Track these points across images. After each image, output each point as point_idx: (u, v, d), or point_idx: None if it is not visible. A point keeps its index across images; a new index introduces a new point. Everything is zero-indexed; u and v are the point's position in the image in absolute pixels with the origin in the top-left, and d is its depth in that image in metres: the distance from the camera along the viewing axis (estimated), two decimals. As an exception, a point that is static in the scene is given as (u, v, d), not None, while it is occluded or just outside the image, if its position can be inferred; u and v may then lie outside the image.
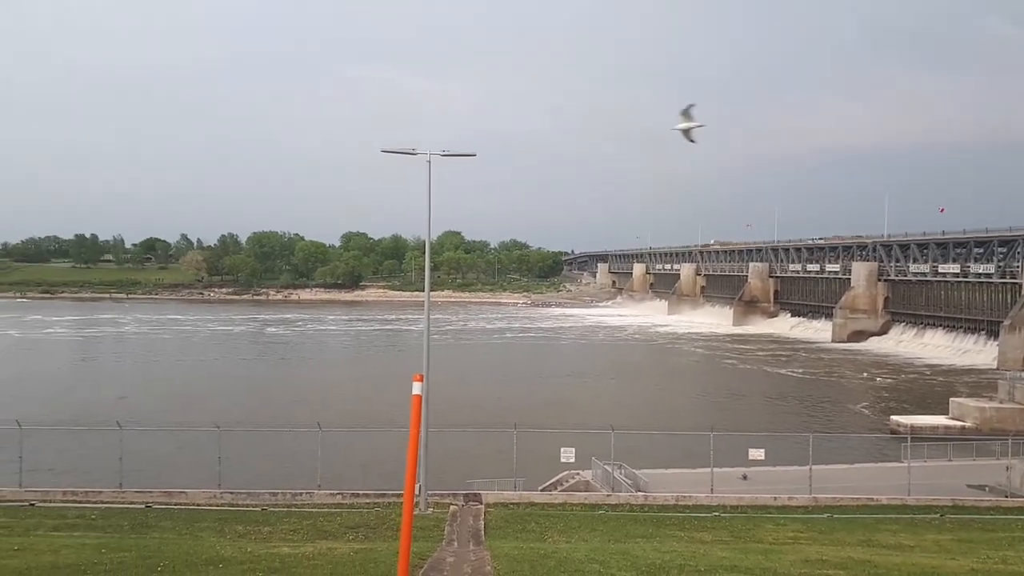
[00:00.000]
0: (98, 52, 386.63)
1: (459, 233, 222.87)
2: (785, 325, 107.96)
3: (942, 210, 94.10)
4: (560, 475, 27.66)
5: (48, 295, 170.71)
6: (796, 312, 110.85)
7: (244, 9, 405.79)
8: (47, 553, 13.70)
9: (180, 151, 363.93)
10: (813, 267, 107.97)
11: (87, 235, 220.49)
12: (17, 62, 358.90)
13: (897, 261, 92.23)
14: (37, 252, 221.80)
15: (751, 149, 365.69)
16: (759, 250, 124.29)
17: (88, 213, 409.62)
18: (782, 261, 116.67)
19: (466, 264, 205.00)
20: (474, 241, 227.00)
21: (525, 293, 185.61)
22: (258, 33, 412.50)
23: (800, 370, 68.38)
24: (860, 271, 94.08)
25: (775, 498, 24.24)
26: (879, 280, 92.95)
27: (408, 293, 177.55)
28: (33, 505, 22.11)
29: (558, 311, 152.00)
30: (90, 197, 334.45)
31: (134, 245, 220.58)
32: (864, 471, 28.87)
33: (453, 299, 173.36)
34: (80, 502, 22.79)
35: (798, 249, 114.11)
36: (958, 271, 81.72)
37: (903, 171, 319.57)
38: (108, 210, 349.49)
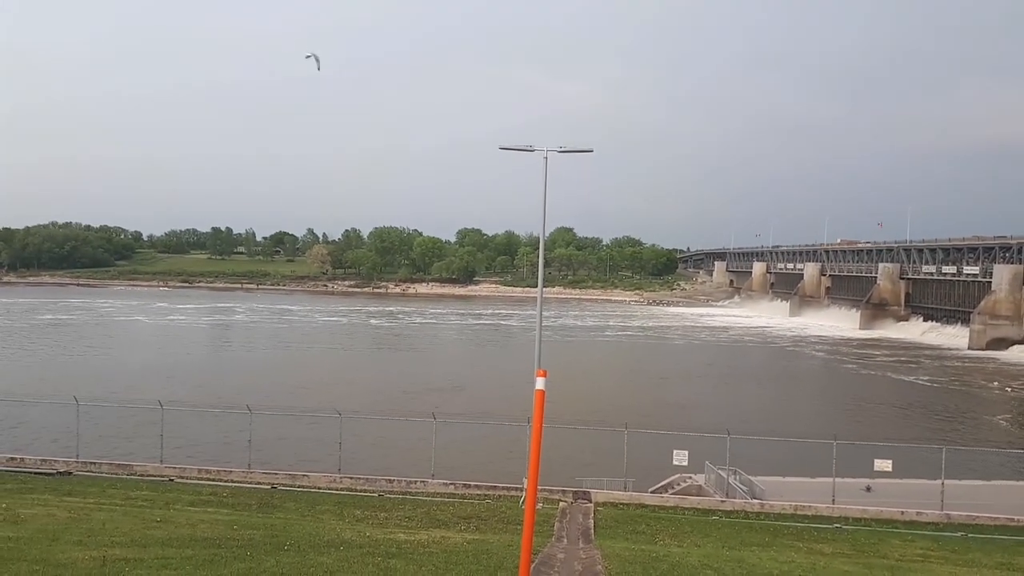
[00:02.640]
0: (235, 69, 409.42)
1: (571, 229, 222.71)
2: (916, 330, 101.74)
3: None
4: (671, 478, 27.18)
5: (187, 284, 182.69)
6: (929, 316, 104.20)
7: (360, 13, 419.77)
8: (186, 526, 14.73)
9: (308, 153, 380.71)
10: (949, 269, 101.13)
11: (222, 228, 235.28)
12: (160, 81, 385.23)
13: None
14: (178, 244, 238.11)
15: (884, 142, 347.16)
16: (890, 250, 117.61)
17: (224, 208, 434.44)
18: (914, 262, 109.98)
19: (578, 261, 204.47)
20: (586, 238, 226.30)
21: (638, 291, 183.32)
22: (377, 35, 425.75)
23: (931, 378, 64.33)
24: (1003, 273, 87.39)
25: (902, 512, 22.94)
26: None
27: (520, 288, 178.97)
28: (172, 481, 23.80)
29: (672, 310, 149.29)
30: (227, 195, 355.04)
31: (264, 238, 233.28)
32: (1003, 488, 26.81)
33: (564, 295, 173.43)
34: (213, 480, 24.35)
35: (932, 250, 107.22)
36: (1118, 276, 74.65)
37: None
38: (242, 206, 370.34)
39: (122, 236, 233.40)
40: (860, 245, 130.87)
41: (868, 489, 24.94)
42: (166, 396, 31.29)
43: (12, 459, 25.52)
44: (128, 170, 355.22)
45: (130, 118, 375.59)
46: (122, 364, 61.03)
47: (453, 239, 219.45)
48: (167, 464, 25.57)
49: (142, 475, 24.60)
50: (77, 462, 25.23)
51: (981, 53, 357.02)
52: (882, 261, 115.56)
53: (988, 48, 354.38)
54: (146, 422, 31.11)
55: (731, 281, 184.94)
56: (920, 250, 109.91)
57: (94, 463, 25.47)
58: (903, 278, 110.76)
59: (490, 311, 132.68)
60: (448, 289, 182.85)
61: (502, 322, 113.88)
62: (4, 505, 15.66)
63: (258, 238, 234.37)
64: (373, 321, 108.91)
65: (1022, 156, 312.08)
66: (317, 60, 23.08)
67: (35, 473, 23.91)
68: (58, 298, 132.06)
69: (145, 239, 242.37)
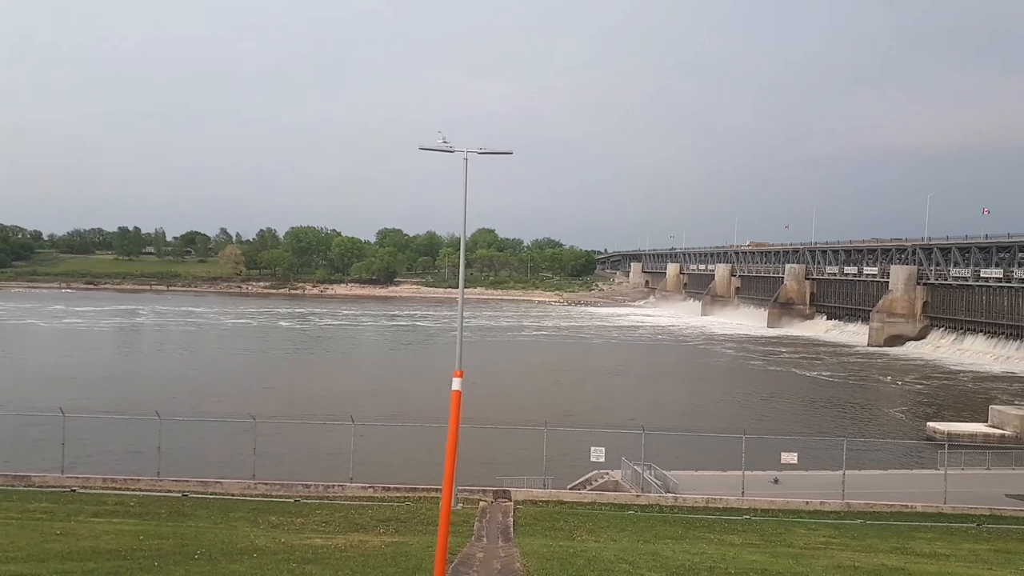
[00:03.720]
0: (143, 41, 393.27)
1: (493, 231, 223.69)
2: (820, 328, 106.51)
3: (986, 212, 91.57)
4: (589, 474, 27.64)
5: (91, 286, 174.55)
6: (832, 315, 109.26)
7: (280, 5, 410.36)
8: (88, 538, 14.10)
9: (220, 148, 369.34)
10: (851, 270, 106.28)
11: (130, 228, 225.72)
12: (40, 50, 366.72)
13: (937, 265, 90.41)
14: (82, 244, 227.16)
15: (790, 150, 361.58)
16: (796, 251, 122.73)
17: (131, 207, 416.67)
18: (819, 263, 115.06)
19: (499, 262, 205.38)
20: (507, 239, 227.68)
21: (558, 291, 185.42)
22: (294, 33, 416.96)
23: (834, 374, 67.42)
24: (899, 274, 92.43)
25: (807, 502, 24.00)
26: (918, 284, 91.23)
27: (442, 290, 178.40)
28: (74, 491, 22.72)
29: (590, 310, 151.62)
30: (132, 191, 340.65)
31: (175, 238, 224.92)
32: (899, 477, 28.41)
33: (486, 296, 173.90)
34: (119, 489, 23.36)
35: (836, 251, 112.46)
36: (1001, 276, 79.89)
37: (945, 173, 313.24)
38: (150, 204, 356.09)
39: (20, 235, 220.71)
40: (768, 247, 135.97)
41: (776, 481, 25.99)
42: (66, 403, 29.82)
43: None
44: (27, 165, 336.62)
45: (25, 101, 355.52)
46: (17, 371, 57.81)
47: (373, 239, 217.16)
48: (69, 474, 24.37)
49: (41, 486, 23.38)
50: (-32, 475, 23.79)
51: (877, 66, 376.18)
52: (789, 262, 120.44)
53: (883, 61, 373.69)
54: (46, 431, 29.57)
55: (647, 282, 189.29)
56: (824, 252, 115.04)
57: (-13, 475, 24.06)
58: (808, 278, 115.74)
59: (410, 312, 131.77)
60: (368, 290, 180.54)
61: (421, 323, 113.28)
62: None
63: (168, 238, 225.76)
64: (283, 323, 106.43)
65: (919, 162, 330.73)
66: (446, 143, 22.52)
67: (-79, 487, 22.42)
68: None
69: (46, 239, 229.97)
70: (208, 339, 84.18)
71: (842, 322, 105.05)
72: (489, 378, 54.07)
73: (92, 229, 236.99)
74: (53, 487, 23.19)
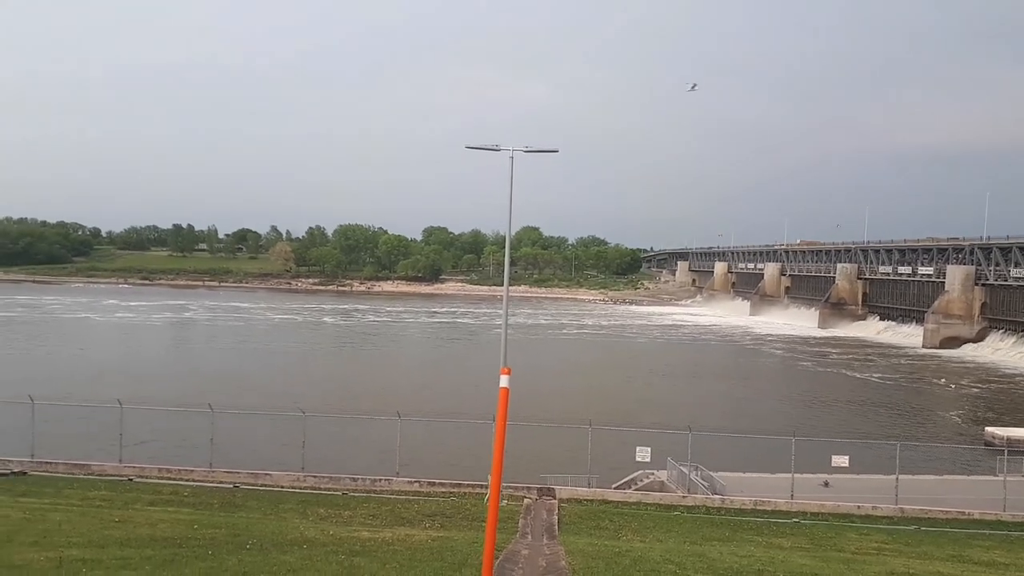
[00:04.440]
0: (201, 50, 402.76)
1: (537, 229, 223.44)
2: (873, 329, 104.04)
3: None
4: (634, 474, 27.47)
5: (147, 282, 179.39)
6: (885, 316, 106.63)
7: (322, 8, 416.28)
8: (145, 526, 14.51)
9: (271, 147, 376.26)
10: (905, 269, 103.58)
11: (184, 225, 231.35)
12: (116, 59, 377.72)
13: (996, 265, 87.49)
14: (138, 241, 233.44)
15: (843, 147, 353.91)
16: (848, 251, 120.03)
17: (186, 205, 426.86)
18: (871, 263, 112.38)
19: (543, 260, 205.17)
20: (552, 237, 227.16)
21: (602, 290, 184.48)
22: (339, 32, 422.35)
23: (887, 376, 65.81)
24: (955, 274, 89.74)
25: (858, 507, 23.49)
26: (976, 284, 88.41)
27: (486, 287, 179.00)
28: (131, 480, 23.40)
29: (635, 309, 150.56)
30: (188, 190, 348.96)
31: (227, 235, 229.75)
32: (955, 483, 27.60)
33: (530, 294, 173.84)
34: (174, 479, 23.99)
35: (889, 251, 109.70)
36: (1065, 277, 77.10)
37: (1005, 171, 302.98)
38: (204, 202, 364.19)
39: (80, 232, 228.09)
40: (819, 246, 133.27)
41: (826, 484, 25.50)
42: (121, 395, 30.67)
43: (-37, 460, 24.87)
44: (88, 166, 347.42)
45: (92, 110, 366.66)
46: (76, 363, 59.73)
47: (419, 237, 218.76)
48: (126, 463, 25.10)
49: (100, 475, 24.14)
50: (32, 462, 24.67)
51: (938, 61, 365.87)
52: (840, 262, 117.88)
53: (935, 58, 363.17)
54: (104, 421, 30.48)
55: (694, 280, 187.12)
56: (877, 251, 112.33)
57: (50, 463, 24.92)
58: (860, 278, 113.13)
59: (451, 309, 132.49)
60: (414, 287, 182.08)
61: (462, 320, 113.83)
62: (-44, 506, 15.29)
63: (220, 235, 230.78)
64: (328, 319, 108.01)
65: (977, 159, 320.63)
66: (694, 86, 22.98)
67: (-12, 474, 23.33)
68: (6, 295, 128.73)
69: (104, 235, 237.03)
70: (255, 334, 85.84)
71: (896, 323, 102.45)
72: (532, 376, 54.08)
73: (147, 226, 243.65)
74: (111, 476, 23.93)
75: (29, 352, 65.59)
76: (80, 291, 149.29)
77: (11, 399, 28.86)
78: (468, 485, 24.16)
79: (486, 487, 23.37)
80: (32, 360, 60.65)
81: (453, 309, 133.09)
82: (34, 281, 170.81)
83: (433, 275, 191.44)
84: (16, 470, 23.83)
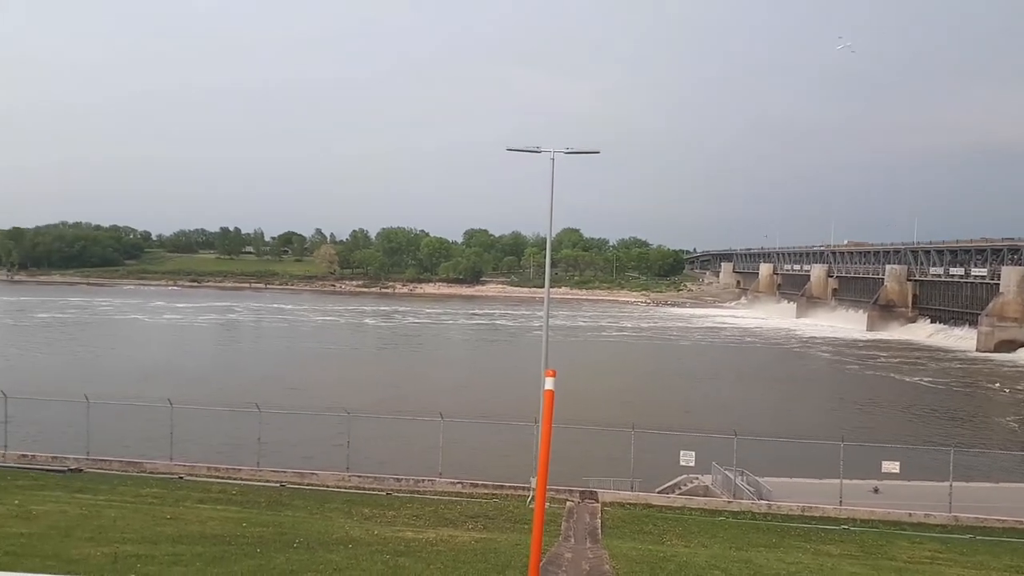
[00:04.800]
0: (242, 70, 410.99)
1: (578, 230, 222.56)
2: (923, 332, 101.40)
3: None
4: (678, 478, 27.20)
5: (195, 284, 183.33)
6: (936, 318, 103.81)
7: (363, 15, 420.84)
8: (195, 523, 14.83)
9: (316, 154, 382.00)
10: (956, 271, 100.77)
11: (231, 228, 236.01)
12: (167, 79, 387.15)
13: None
14: (187, 244, 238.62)
15: (892, 144, 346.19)
16: (897, 251, 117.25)
17: (233, 208, 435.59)
18: (922, 264, 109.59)
19: (584, 261, 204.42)
20: (593, 238, 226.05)
21: (644, 292, 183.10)
22: (381, 38, 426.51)
23: (938, 380, 64.11)
24: (1011, 276, 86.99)
25: (910, 514, 22.92)
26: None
27: (526, 289, 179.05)
28: (182, 478, 23.93)
29: (678, 311, 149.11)
30: (236, 195, 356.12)
31: (273, 238, 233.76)
32: (1012, 491, 26.74)
33: (571, 296, 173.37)
34: (222, 478, 24.46)
35: (940, 251, 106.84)
36: None
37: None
38: (251, 206, 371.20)
39: (131, 235, 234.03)
40: (867, 247, 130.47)
41: (876, 490, 24.91)
42: (170, 394, 31.38)
43: (23, 456, 25.70)
44: (138, 170, 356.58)
45: (139, 119, 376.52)
46: (125, 362, 61.28)
47: (460, 240, 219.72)
48: (177, 462, 25.69)
49: (152, 472, 24.75)
50: (88, 459, 25.39)
51: (984, 59, 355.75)
52: (889, 263, 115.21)
53: (991, 54, 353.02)
54: (155, 420, 31.22)
55: (738, 282, 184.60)
56: (928, 252, 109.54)
57: (104, 460, 25.63)
58: (910, 280, 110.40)
59: (490, 311, 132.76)
60: (455, 289, 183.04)
61: (500, 322, 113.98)
62: (17, 502, 15.80)
63: (266, 238, 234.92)
64: (369, 321, 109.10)
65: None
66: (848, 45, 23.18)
67: (46, 470, 24.08)
68: (61, 296, 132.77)
69: (154, 238, 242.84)
70: (298, 335, 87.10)
71: (947, 326, 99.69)
72: (572, 378, 53.88)
73: (196, 229, 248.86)
74: (163, 474, 24.51)
75: (81, 352, 67.52)
76: (130, 293, 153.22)
77: (68, 398, 29.72)
78: (510, 486, 24.19)
79: (528, 489, 23.37)
80: (84, 360, 62.44)
81: (492, 311, 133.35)
82: (88, 283, 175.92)
83: (474, 277, 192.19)
84: (73, 467, 24.57)
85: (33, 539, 12.10)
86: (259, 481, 24.10)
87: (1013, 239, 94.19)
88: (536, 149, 23.44)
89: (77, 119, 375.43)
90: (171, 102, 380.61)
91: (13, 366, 56.72)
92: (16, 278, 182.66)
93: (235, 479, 24.25)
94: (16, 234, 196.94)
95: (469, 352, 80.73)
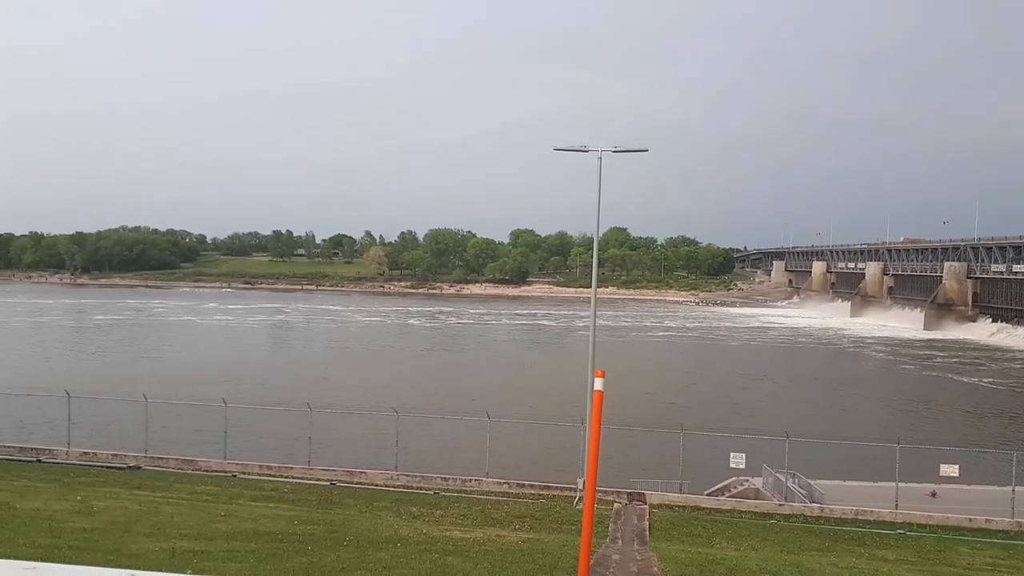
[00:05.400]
0: (285, 71, 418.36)
1: (625, 229, 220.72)
2: (985, 331, 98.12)
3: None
4: (727, 481, 26.83)
5: (249, 286, 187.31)
6: (998, 317, 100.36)
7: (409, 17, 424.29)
8: (248, 520, 15.17)
9: (366, 156, 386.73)
10: (1020, 268, 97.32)
11: (283, 231, 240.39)
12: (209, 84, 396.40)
13: None
14: (240, 246, 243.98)
15: (949, 138, 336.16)
16: (956, 248, 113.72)
17: (285, 211, 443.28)
18: (982, 261, 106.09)
19: (631, 261, 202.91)
20: (640, 237, 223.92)
21: (693, 291, 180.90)
22: (424, 38, 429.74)
23: (1001, 381, 61.99)
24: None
25: (970, 519, 22.24)
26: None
27: (572, 289, 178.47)
28: (235, 476, 24.49)
29: (729, 310, 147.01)
30: (288, 198, 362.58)
31: (324, 240, 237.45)
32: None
33: (618, 296, 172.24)
34: (274, 476, 24.96)
35: (1002, 248, 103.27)
36: None
37: None
38: (302, 209, 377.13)
39: (187, 239, 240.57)
40: (925, 243, 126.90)
41: (933, 495, 24.23)
42: (221, 393, 32.12)
43: (85, 454, 26.60)
44: (193, 175, 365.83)
45: (199, 126, 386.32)
46: (180, 363, 62.91)
47: (506, 240, 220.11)
48: (230, 460, 26.30)
49: (206, 470, 25.38)
50: (146, 457, 26.16)
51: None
52: (948, 260, 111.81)
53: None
54: (209, 419, 32.02)
55: (790, 281, 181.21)
56: (988, 248, 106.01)
57: (161, 458, 26.38)
58: (970, 277, 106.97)
59: (533, 311, 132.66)
60: (501, 290, 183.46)
61: (550, 322, 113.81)
62: (79, 498, 16.36)
63: (317, 240, 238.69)
64: (414, 321, 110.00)
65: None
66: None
67: (107, 467, 24.91)
68: (120, 299, 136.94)
69: (209, 241, 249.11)
70: (346, 336, 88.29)
71: (1010, 325, 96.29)
72: (618, 379, 53.58)
73: (249, 233, 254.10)
74: (217, 472, 25.11)
75: (135, 354, 69.51)
76: (186, 295, 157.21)
77: (127, 397, 30.67)
78: (557, 487, 24.17)
79: (576, 490, 23.32)
80: (138, 362, 64.26)
81: (535, 311, 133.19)
82: (147, 286, 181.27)
83: (520, 277, 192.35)
84: (132, 464, 25.35)
85: (95, 534, 12.53)
86: (310, 479, 24.52)
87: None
88: (583, 148, 23.36)
89: (129, 128, 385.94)
90: (227, 109, 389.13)
91: (76, 366, 58.76)
92: (79, 281, 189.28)
93: (287, 477, 24.71)
94: (79, 239, 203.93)
95: (514, 352, 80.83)
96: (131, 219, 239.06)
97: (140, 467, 25.19)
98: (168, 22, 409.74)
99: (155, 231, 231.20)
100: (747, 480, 26.57)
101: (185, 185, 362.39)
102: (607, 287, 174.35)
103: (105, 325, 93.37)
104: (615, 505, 21.93)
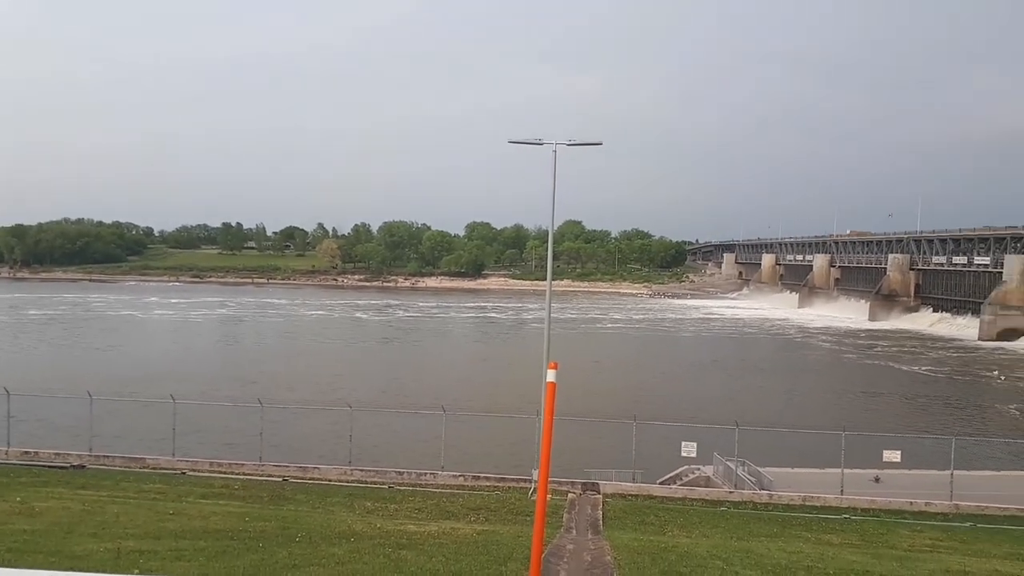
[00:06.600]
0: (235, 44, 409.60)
1: (579, 222, 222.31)
2: (926, 321, 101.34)
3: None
4: (679, 469, 27.26)
5: (197, 279, 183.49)
6: (939, 307, 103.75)
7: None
8: (198, 518, 14.88)
9: (318, 143, 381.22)
10: (959, 260, 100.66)
11: (233, 223, 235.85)
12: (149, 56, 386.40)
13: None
14: (189, 239, 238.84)
15: (894, 133, 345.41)
16: (900, 241, 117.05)
17: (234, 204, 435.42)
18: (925, 253, 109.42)
19: (586, 253, 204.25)
20: (595, 230, 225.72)
21: (646, 283, 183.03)
22: (385, 32, 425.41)
23: (941, 369, 64.13)
24: (1014, 264, 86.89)
25: (911, 503, 22.97)
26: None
27: (528, 281, 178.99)
28: (184, 474, 24.01)
29: (680, 302, 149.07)
30: (235, 188, 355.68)
31: (275, 233, 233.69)
32: (1013, 479, 26.80)
33: (573, 288, 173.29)
34: (224, 473, 24.53)
35: (943, 240, 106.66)
36: None
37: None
38: (251, 200, 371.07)
39: (134, 232, 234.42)
40: (870, 236, 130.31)
41: (877, 480, 24.97)
42: (167, 390, 31.47)
43: (26, 453, 25.78)
44: (139, 166, 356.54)
45: (136, 106, 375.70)
46: (122, 359, 61.36)
47: (462, 233, 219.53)
48: (179, 457, 25.77)
49: (154, 468, 24.83)
50: (90, 456, 25.47)
51: (989, 44, 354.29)
52: (892, 252, 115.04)
53: (996, 40, 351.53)
54: (157, 416, 31.32)
55: (740, 273, 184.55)
56: (930, 240, 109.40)
57: (107, 456, 25.71)
58: (913, 269, 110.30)
59: (489, 303, 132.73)
60: (457, 283, 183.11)
61: (507, 316, 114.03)
62: (19, 498, 15.86)
63: (268, 233, 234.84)
64: (361, 315, 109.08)
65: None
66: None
67: (49, 467, 24.17)
68: (58, 293, 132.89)
69: (156, 234, 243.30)
70: (298, 330, 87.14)
71: (950, 315, 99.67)
72: (571, 370, 53.95)
73: (198, 225, 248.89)
74: (165, 470, 24.59)
75: (73, 349, 67.56)
76: (130, 289, 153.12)
77: (70, 394, 29.80)
78: (512, 479, 24.26)
79: (530, 481, 23.43)
80: (77, 357, 62.51)
81: (493, 303, 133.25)
82: (90, 279, 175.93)
83: (476, 270, 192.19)
84: (76, 463, 24.66)
85: (36, 535, 12.16)
86: (261, 476, 24.17)
87: (1016, 227, 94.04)
88: (538, 141, 23.37)
89: (65, 99, 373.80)
90: (169, 91, 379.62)
91: (11, 362, 56.87)
92: (19, 275, 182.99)
93: (237, 474, 24.32)
94: (19, 231, 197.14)
95: (469, 345, 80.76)
96: (74, 211, 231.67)
97: (85, 466, 24.52)
98: None
99: (100, 223, 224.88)
100: (698, 468, 27.02)
101: (133, 177, 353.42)
102: (562, 280, 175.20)
103: (40, 320, 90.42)
104: (569, 495, 22.10)
